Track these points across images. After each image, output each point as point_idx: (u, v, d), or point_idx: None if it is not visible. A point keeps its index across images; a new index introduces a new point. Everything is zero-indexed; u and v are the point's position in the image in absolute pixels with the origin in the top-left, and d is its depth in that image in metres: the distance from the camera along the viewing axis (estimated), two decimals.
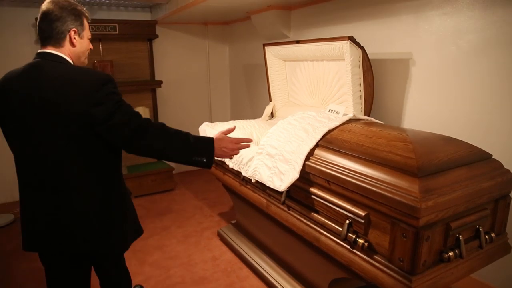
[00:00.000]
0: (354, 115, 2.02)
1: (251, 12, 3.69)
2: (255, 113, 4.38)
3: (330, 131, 1.89)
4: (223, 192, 4.06)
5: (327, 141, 1.83)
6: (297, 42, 2.83)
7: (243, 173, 2.35)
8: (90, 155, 1.41)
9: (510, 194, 1.67)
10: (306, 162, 1.83)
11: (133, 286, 1.99)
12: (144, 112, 4.06)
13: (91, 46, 1.59)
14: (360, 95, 2.50)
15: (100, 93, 1.33)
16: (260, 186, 2.23)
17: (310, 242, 1.87)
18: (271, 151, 2.07)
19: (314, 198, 1.82)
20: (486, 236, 1.57)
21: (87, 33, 1.53)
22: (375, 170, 1.53)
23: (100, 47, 3.87)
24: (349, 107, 2.44)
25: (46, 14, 1.40)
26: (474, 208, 1.51)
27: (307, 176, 1.85)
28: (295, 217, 1.96)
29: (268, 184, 2.03)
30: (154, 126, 1.44)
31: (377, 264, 1.49)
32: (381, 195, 1.43)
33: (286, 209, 2.03)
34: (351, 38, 2.34)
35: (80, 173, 1.40)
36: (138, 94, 4.17)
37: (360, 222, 1.55)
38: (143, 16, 4.22)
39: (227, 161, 2.56)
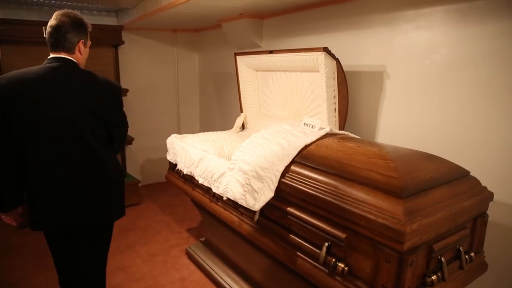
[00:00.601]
0: (330, 130, 1.94)
1: (222, 20, 3.59)
2: (225, 124, 4.25)
3: (306, 146, 1.80)
4: (191, 206, 3.88)
5: (304, 157, 1.74)
6: (270, 52, 2.75)
7: (214, 190, 2.21)
8: None
9: (486, 212, 1.64)
10: (282, 179, 1.73)
11: None
12: None
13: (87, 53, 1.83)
14: (335, 108, 2.45)
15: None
16: (232, 204, 2.10)
17: (285, 264, 1.76)
18: (244, 167, 1.95)
19: (290, 218, 1.71)
20: (466, 256, 1.52)
21: (88, 43, 1.78)
22: (355, 190, 1.44)
23: None
24: (323, 120, 2.38)
25: (59, 26, 1.64)
26: (455, 228, 1.46)
27: (282, 195, 1.74)
28: (269, 237, 1.85)
29: (240, 202, 1.91)
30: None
31: None
32: (363, 217, 1.35)
33: (259, 229, 1.91)
34: (326, 50, 2.28)
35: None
36: None
37: (340, 245, 1.46)
38: (108, 20, 4.00)
39: (196, 176, 2.41)
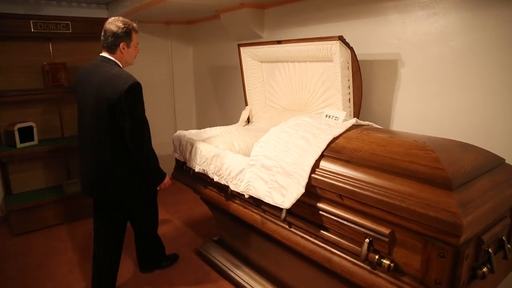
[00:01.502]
0: (356, 121, 1.88)
1: (221, 11, 3.46)
2: (224, 119, 4.13)
3: (334, 139, 1.73)
4: (195, 204, 3.79)
5: (335, 151, 1.67)
6: (279, 42, 2.66)
7: (232, 188, 2.12)
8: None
9: None
10: (312, 175, 1.66)
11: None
12: None
13: (138, 50, 2.28)
14: (349, 98, 2.39)
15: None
16: (254, 202, 2.02)
17: (318, 262, 1.70)
18: (266, 163, 1.86)
19: (322, 214, 1.65)
20: (509, 246, 1.49)
21: (134, 43, 2.19)
22: (397, 183, 1.38)
23: (50, 48, 3.43)
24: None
25: (105, 31, 2.11)
26: (498, 218, 1.43)
27: (313, 190, 1.67)
28: (298, 235, 1.78)
29: (266, 200, 1.83)
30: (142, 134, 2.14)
31: (406, 287, 1.35)
32: (410, 211, 1.29)
33: (287, 227, 1.84)
34: (341, 38, 2.21)
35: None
36: None
37: (383, 241, 1.40)
38: (99, 13, 3.81)
39: (210, 173, 2.31)
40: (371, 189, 1.43)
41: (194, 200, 3.92)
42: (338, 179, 1.56)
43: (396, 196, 1.35)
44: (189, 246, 2.99)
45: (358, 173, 1.52)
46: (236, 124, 3.13)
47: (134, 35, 2.17)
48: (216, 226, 2.81)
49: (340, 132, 1.76)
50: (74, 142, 3.46)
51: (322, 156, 1.69)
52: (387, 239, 1.39)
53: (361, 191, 1.45)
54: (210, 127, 2.92)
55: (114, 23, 2.09)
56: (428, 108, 2.26)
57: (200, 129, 2.85)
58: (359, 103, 2.41)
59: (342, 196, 1.54)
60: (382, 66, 2.47)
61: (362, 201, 1.45)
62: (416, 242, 1.32)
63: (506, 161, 1.64)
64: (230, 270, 2.48)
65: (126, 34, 2.10)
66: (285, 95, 2.96)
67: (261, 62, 3.06)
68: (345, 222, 1.55)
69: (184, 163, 2.64)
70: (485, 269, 1.32)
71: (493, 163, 1.53)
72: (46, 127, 3.64)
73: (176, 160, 2.72)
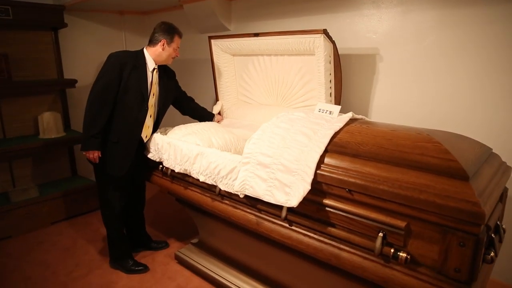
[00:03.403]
0: (352, 115, 1.88)
1: (185, 1, 3.28)
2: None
3: (335, 134, 1.71)
4: (162, 206, 3.60)
5: (338, 146, 1.64)
6: (256, 34, 2.58)
7: (222, 188, 2.01)
8: None
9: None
10: (317, 171, 1.62)
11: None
12: (55, 118, 3.28)
13: (177, 54, 2.50)
14: (331, 92, 2.40)
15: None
16: (248, 201, 1.93)
17: (323, 260, 1.67)
18: (264, 160, 1.79)
19: (329, 211, 1.62)
20: (502, 229, 1.59)
21: (174, 45, 2.42)
22: (412, 176, 1.40)
23: None
24: None
25: (154, 27, 2.41)
26: (497, 204, 1.51)
27: (318, 187, 1.63)
28: (301, 233, 1.73)
29: (266, 199, 1.76)
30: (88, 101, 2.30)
31: (424, 277, 1.37)
32: (429, 203, 1.31)
33: (287, 225, 1.79)
34: (325, 32, 2.19)
35: None
36: (43, 97, 3.36)
37: (399, 234, 1.41)
38: None
39: (194, 173, 2.17)
40: (385, 183, 1.43)
41: (161, 202, 3.72)
42: (347, 174, 1.54)
43: (413, 189, 1.36)
44: (165, 251, 2.81)
45: (368, 168, 1.51)
46: (211, 122, 2.98)
47: (176, 38, 2.44)
48: (195, 229, 2.66)
49: (340, 127, 1.74)
50: (20, 143, 3.06)
51: (325, 152, 1.66)
52: (402, 232, 1.40)
53: (375, 185, 1.44)
54: (177, 125, 2.71)
55: (160, 23, 2.42)
56: (403, 100, 2.35)
57: (165, 127, 2.67)
58: (339, 96, 2.43)
59: (352, 191, 1.53)
60: (359, 60, 2.51)
61: (376, 195, 1.45)
62: (433, 233, 1.34)
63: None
64: (215, 273, 2.37)
65: (167, 33, 2.40)
66: (260, 90, 2.90)
67: (233, 55, 2.95)
68: (355, 217, 1.53)
69: (159, 163, 2.46)
70: (492, 254, 1.39)
71: (486, 152, 1.62)
72: None
73: (150, 160, 2.51)
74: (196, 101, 2.94)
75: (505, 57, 1.95)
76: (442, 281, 1.33)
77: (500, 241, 1.57)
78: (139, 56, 2.37)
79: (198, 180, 2.16)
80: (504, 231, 1.61)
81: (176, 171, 2.28)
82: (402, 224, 1.40)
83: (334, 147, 1.66)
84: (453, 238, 1.29)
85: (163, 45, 2.36)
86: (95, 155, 2.30)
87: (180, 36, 2.44)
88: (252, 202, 1.91)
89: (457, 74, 2.12)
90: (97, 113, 2.25)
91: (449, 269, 1.31)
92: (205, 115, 2.89)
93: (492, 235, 1.44)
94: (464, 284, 1.29)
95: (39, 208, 3.10)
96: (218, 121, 2.91)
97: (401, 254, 1.40)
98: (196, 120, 2.90)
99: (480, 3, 1.99)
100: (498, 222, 1.55)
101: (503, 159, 1.72)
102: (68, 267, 2.58)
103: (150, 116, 2.45)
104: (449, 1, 2.09)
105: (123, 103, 2.31)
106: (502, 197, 1.66)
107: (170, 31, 2.37)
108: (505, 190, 1.69)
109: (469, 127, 2.10)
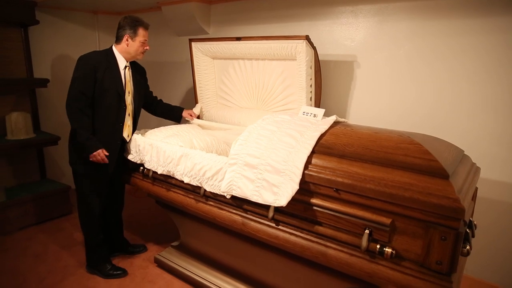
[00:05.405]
0: (336, 118, 1.95)
1: (163, 3, 3.26)
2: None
3: (321, 135, 1.77)
4: (137, 209, 3.52)
5: (325, 147, 1.71)
6: (238, 38, 2.61)
7: (208, 189, 2.02)
8: None
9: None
10: (305, 171, 1.67)
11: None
12: (24, 119, 3.14)
13: (147, 47, 2.41)
14: (311, 97, 2.47)
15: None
16: (234, 202, 1.95)
17: (310, 258, 1.72)
18: (251, 161, 1.82)
19: (317, 210, 1.67)
20: (474, 225, 1.71)
21: (139, 39, 2.33)
22: (397, 175, 1.48)
23: None
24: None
25: (118, 24, 2.35)
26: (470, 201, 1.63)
27: (305, 187, 1.69)
28: (288, 232, 1.77)
29: (253, 199, 1.78)
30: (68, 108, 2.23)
31: (407, 271, 1.45)
32: (413, 200, 1.39)
33: (274, 225, 1.82)
34: (307, 38, 2.27)
35: None
36: (11, 97, 3.20)
37: (384, 230, 1.49)
38: None
39: (178, 175, 2.16)
40: (372, 182, 1.50)
41: (134, 205, 3.64)
42: (335, 174, 1.60)
43: (398, 187, 1.44)
44: (143, 255, 2.75)
45: (355, 168, 1.58)
46: (188, 124, 2.97)
47: (140, 31, 2.32)
48: (174, 232, 2.63)
49: (326, 129, 1.81)
50: None
51: (312, 153, 1.72)
52: (388, 228, 1.48)
53: (362, 184, 1.51)
54: (154, 128, 2.66)
55: (122, 18, 2.33)
56: (379, 104, 2.48)
57: (144, 129, 2.64)
58: (319, 100, 2.51)
59: (339, 190, 1.59)
60: (338, 66, 2.61)
61: (363, 194, 1.52)
62: (417, 228, 1.43)
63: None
64: (197, 275, 2.36)
65: (131, 27, 2.30)
66: (240, 93, 2.93)
67: (214, 58, 2.97)
68: (342, 215, 1.60)
69: (140, 165, 2.43)
70: (468, 247, 1.49)
71: (459, 154, 1.75)
72: None
73: (130, 162, 2.47)
74: (174, 104, 2.92)
75: (472, 68, 2.11)
76: (424, 274, 1.42)
77: (473, 236, 1.69)
78: (109, 55, 2.34)
79: (182, 181, 2.16)
80: (475, 227, 1.73)
81: (159, 172, 2.26)
82: (387, 221, 1.48)
83: (321, 148, 1.72)
84: (435, 233, 1.38)
85: (127, 41, 2.30)
86: (101, 155, 2.25)
87: (146, 28, 2.34)
88: (238, 203, 1.94)
89: (429, 80, 2.26)
90: (80, 118, 2.21)
91: (431, 262, 1.40)
92: (174, 109, 2.80)
93: (467, 230, 1.55)
94: (445, 275, 1.38)
95: (6, 212, 2.94)
96: (190, 115, 2.81)
97: (386, 249, 1.48)
98: (168, 119, 2.88)
99: (449, 16, 2.14)
100: (470, 219, 1.67)
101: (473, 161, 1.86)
102: (40, 275, 2.47)
103: (129, 115, 2.42)
104: (421, 14, 2.23)
105: (101, 104, 2.27)
106: (474, 195, 1.79)
107: (132, 25, 2.29)
108: (476, 189, 1.82)
109: (441, 129, 2.24)
